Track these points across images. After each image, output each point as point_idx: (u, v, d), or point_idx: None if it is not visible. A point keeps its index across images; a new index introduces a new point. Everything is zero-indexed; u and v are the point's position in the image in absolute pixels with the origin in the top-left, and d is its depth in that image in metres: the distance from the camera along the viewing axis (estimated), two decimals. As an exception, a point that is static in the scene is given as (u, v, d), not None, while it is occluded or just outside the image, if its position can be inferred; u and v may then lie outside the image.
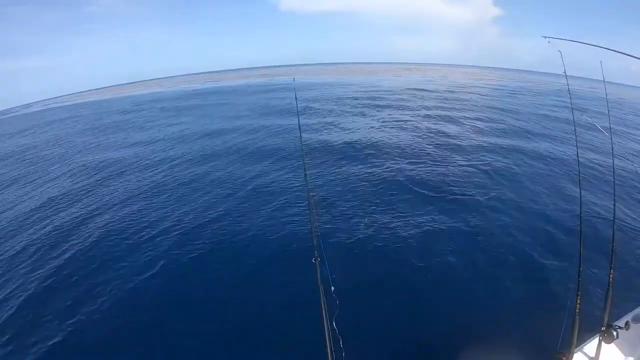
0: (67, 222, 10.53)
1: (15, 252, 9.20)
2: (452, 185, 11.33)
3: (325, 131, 19.29)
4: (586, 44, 5.34)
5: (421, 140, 16.98)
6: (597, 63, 4.11)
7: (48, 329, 6.33)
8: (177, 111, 34.65)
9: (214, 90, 58.59)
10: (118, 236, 9.25)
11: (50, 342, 5.98)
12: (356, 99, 33.33)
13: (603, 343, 3.20)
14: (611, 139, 5.07)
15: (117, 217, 10.38)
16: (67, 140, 25.52)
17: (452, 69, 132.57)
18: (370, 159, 14.14)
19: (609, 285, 3.28)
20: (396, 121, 21.72)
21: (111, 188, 13.11)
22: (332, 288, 2.58)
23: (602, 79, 4.55)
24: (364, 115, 24.51)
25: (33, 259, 8.70)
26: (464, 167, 13.08)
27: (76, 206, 11.78)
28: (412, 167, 13.02)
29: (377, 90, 41.23)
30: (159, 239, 8.93)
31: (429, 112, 24.69)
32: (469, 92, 40.92)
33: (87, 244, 8.98)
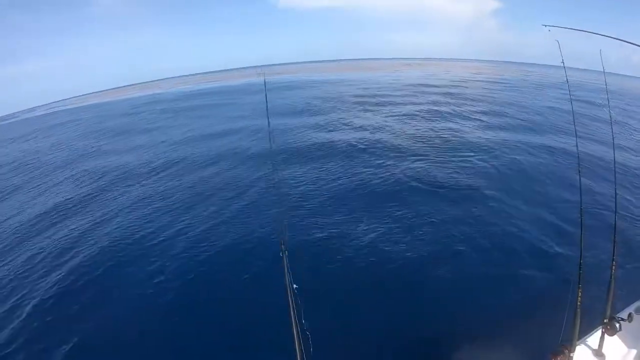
0: (74, 228, 10.51)
1: (24, 258, 9.22)
2: (450, 180, 11.36)
3: (315, 131, 19.09)
4: (586, 31, 5.28)
5: (421, 136, 16.96)
6: (598, 53, 4.05)
7: (58, 333, 6.37)
8: (174, 112, 34.86)
9: (212, 91, 58.52)
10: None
11: (61, 347, 6.02)
12: (358, 96, 33.09)
13: (606, 335, 3.17)
14: (612, 129, 5.04)
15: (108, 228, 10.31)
16: (70, 145, 25.55)
17: (453, 63, 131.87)
18: (373, 155, 14.09)
19: (611, 277, 3.25)
20: (399, 117, 21.65)
21: (111, 194, 13.08)
22: (295, 286, 2.54)
23: (602, 70, 4.50)
24: (364, 112, 24.32)
25: (42, 265, 8.73)
26: (468, 161, 13.09)
27: (81, 213, 11.76)
28: (413, 163, 13.02)
29: (379, 87, 41.01)
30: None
31: (433, 108, 24.51)
32: (472, 87, 40.72)
33: (94, 251, 8.99)
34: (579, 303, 3.01)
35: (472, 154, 13.91)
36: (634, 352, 3.28)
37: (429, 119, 20.84)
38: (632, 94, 41.84)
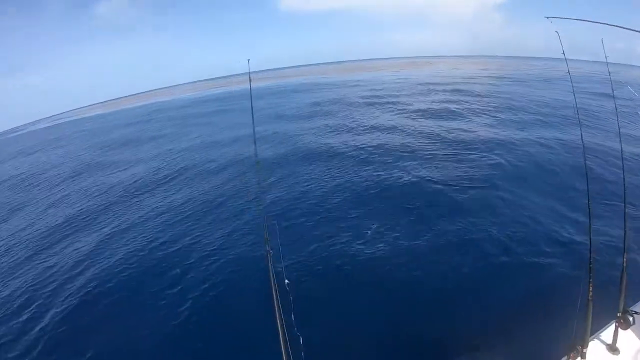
0: (87, 240, 10.52)
1: (38, 270, 9.26)
2: (460, 176, 11.28)
3: (316, 136, 18.90)
4: (589, 21, 5.22)
5: (430, 133, 16.87)
6: (603, 45, 3.97)
7: (73, 345, 6.43)
8: (183, 119, 35.06)
9: (217, 98, 58.80)
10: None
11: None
12: (364, 97, 32.78)
13: (620, 329, 3.10)
14: (617, 118, 4.95)
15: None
16: (76, 156, 25.79)
17: (458, 60, 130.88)
18: (385, 156, 13.94)
19: (623, 269, 3.17)
20: (407, 116, 21.54)
21: (119, 207, 13.07)
22: (287, 281, 2.49)
23: (605, 60, 4.41)
24: (371, 113, 23.98)
25: (56, 277, 8.75)
26: (478, 156, 13.04)
27: (92, 225, 11.77)
28: (423, 161, 12.98)
29: (385, 87, 40.67)
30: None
31: (440, 106, 24.17)
32: (478, 83, 40.29)
33: (107, 263, 8.99)
34: (590, 297, 2.94)
35: (483, 149, 13.79)
36: None
37: (437, 117, 20.62)
38: (638, 84, 41.37)
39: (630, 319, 3.01)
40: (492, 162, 12.48)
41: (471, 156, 13.22)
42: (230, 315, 6.53)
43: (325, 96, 37.39)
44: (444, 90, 32.86)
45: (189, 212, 11.19)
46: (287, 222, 9.38)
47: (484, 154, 13.25)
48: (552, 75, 45.95)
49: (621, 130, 4.91)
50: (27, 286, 8.67)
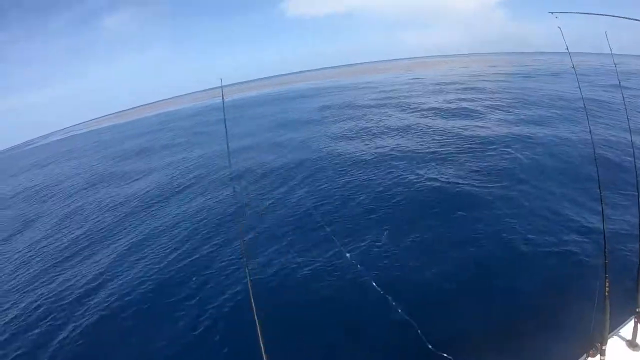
0: (105, 254, 10.52)
1: (56, 284, 9.30)
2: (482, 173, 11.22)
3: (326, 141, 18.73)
4: (594, 14, 5.15)
5: (444, 132, 16.74)
6: (607, 37, 3.94)
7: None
8: (189, 128, 35.35)
9: (221, 106, 58.93)
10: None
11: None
12: (375, 99, 32.44)
13: (639, 325, 3.05)
14: (626, 109, 4.90)
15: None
16: (88, 168, 26.13)
17: (464, 59, 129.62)
18: (400, 159, 13.65)
19: (639, 263, 3.12)
20: (422, 116, 21.35)
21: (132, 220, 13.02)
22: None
23: (610, 52, 4.36)
24: (383, 116, 23.60)
25: (73, 291, 8.77)
26: (495, 153, 12.92)
27: (107, 238, 11.77)
28: (437, 164, 12.75)
29: (396, 89, 40.19)
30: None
31: (453, 105, 23.77)
32: (488, 80, 39.68)
33: (125, 278, 8.97)
34: (606, 293, 2.88)
35: (499, 144, 13.79)
36: None
37: (451, 116, 20.35)
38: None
39: None
40: (509, 157, 12.36)
41: (487, 152, 13.09)
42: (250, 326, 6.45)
43: (335, 100, 37.28)
44: (456, 90, 32.41)
45: (206, 221, 11.14)
46: (313, 223, 9.41)
47: (500, 149, 13.13)
48: (560, 69, 45.37)
49: (631, 119, 4.84)
50: (44, 299, 8.73)
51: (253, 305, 2.58)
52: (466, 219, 8.65)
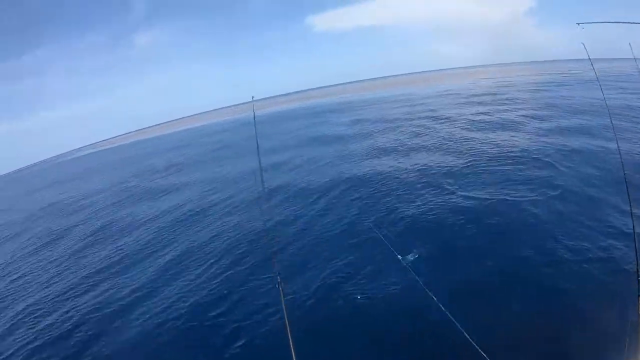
0: (140, 271, 10.50)
1: (91, 302, 9.27)
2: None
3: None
4: (621, 22, 5.07)
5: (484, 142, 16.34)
6: (630, 47, 3.91)
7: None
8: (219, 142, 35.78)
9: (258, 120, 58.94)
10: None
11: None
12: (407, 113, 31.53)
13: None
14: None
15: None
16: (117, 183, 26.40)
17: (496, 69, 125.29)
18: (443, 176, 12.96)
19: None
20: (461, 128, 20.65)
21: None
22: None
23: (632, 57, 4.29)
24: (415, 130, 22.67)
25: (111, 308, 8.75)
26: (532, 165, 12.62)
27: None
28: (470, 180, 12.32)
29: (429, 101, 39.27)
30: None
31: (488, 117, 23.15)
32: (520, 90, 38.38)
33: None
34: None
35: (538, 156, 13.44)
36: None
37: (487, 128, 19.82)
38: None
39: None
40: (548, 166, 12.20)
41: (526, 162, 12.93)
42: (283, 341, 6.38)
43: (365, 114, 36.77)
44: (487, 101, 31.74)
45: (239, 237, 11.05)
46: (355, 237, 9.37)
47: (539, 159, 13.01)
48: (591, 77, 43.72)
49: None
50: (80, 311, 8.89)
51: (287, 326, 2.59)
52: (507, 228, 8.56)
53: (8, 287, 11.75)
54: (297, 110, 64.40)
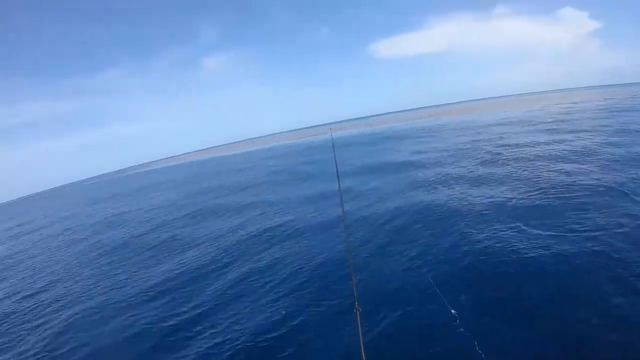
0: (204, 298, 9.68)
1: (152, 320, 8.85)
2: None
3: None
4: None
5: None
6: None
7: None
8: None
9: (319, 145, 60.10)
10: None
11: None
12: (473, 141, 30.00)
13: None
14: None
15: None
16: (184, 197, 27.45)
17: (563, 94, 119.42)
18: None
19: None
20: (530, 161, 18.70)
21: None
22: None
23: None
24: (481, 163, 20.59)
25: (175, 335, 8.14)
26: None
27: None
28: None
29: (495, 128, 38.06)
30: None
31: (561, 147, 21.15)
32: (592, 117, 35.58)
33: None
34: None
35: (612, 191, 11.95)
36: None
37: (554, 158, 18.20)
38: None
39: None
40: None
41: (596, 199, 11.41)
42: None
43: (430, 141, 35.77)
44: (552, 129, 29.93)
45: (312, 264, 10.26)
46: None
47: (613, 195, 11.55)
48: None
49: None
50: (139, 323, 8.69)
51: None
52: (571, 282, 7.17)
53: (67, 290, 12.24)
54: (364, 136, 64.90)
